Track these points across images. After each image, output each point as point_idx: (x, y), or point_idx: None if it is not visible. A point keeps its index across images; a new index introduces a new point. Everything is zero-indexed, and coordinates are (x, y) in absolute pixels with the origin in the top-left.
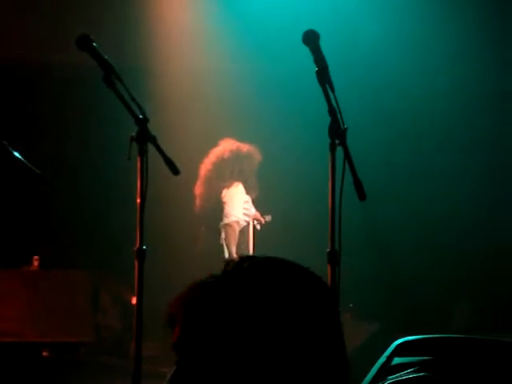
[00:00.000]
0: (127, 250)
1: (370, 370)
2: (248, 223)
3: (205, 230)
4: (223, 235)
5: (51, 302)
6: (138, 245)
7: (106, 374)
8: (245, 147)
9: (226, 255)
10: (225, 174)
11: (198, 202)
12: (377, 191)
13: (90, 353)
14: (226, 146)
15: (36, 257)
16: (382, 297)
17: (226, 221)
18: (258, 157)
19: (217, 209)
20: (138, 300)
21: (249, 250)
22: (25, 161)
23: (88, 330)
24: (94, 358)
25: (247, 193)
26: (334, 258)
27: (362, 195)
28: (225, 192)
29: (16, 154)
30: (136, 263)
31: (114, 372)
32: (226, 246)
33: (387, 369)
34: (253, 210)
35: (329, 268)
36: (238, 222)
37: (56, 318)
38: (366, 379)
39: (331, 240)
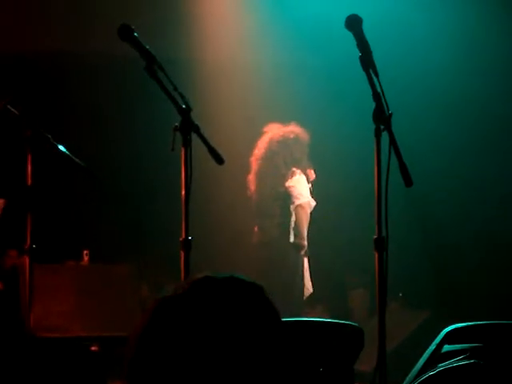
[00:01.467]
0: (175, 242)
1: (420, 358)
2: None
3: (260, 223)
4: (293, 218)
5: (100, 297)
6: (183, 236)
7: None
8: (291, 133)
9: (292, 239)
10: (279, 165)
11: (254, 196)
12: (424, 176)
13: None
14: (272, 136)
15: (86, 251)
16: (432, 284)
17: (297, 202)
18: (306, 138)
19: (273, 202)
20: None
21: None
22: (70, 154)
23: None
24: None
25: (307, 181)
26: (380, 244)
27: (408, 181)
28: (289, 181)
29: (61, 147)
30: (182, 254)
31: None
32: (297, 228)
33: (437, 356)
34: (313, 204)
35: (376, 255)
36: (309, 203)
37: (104, 313)
38: (416, 367)
39: (378, 227)
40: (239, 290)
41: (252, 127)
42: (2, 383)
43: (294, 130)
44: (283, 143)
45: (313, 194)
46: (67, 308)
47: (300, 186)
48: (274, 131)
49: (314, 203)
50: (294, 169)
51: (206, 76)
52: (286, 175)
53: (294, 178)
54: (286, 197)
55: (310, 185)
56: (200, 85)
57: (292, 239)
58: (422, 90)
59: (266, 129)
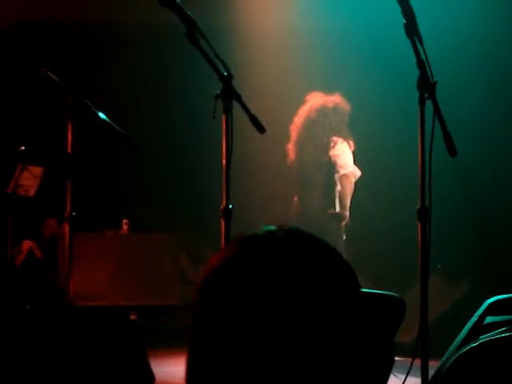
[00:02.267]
0: (215, 211)
1: (461, 329)
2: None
3: (301, 193)
4: (338, 187)
5: (138, 266)
6: (224, 204)
7: None
8: (330, 102)
9: (338, 209)
10: (318, 133)
11: (294, 165)
12: (468, 146)
13: (177, 316)
14: (312, 105)
15: (125, 220)
16: (472, 256)
17: (342, 171)
18: (346, 108)
19: (316, 171)
20: None
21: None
22: (110, 121)
23: (175, 294)
24: (180, 321)
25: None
26: (424, 215)
27: (452, 150)
28: (333, 150)
29: (101, 114)
30: (222, 222)
31: None
32: (341, 198)
33: (479, 328)
34: (358, 174)
35: (419, 225)
36: (354, 173)
37: (143, 282)
38: (457, 339)
39: (421, 197)
40: (313, 249)
41: (294, 96)
42: (41, 352)
43: (334, 99)
44: (322, 112)
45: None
46: (106, 277)
47: (344, 156)
48: (314, 100)
49: (359, 173)
50: (336, 138)
51: (246, 44)
52: (327, 144)
53: (338, 147)
54: (330, 166)
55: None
56: (241, 53)
57: (338, 209)
58: (469, 58)
59: (308, 97)
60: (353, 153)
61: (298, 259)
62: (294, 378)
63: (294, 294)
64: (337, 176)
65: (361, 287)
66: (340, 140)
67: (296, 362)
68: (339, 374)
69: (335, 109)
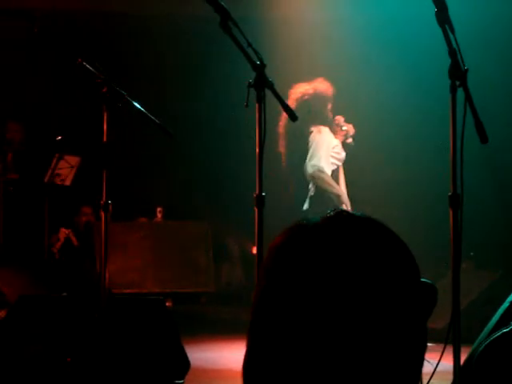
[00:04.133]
0: (248, 199)
1: (493, 315)
2: (338, 167)
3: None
4: (311, 187)
5: (174, 253)
6: (257, 192)
7: (227, 323)
8: (310, 89)
9: (305, 207)
10: (298, 124)
11: (283, 159)
12: (499, 134)
13: (211, 303)
14: (293, 96)
15: (160, 208)
16: (503, 243)
17: (309, 171)
18: (327, 92)
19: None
20: (258, 249)
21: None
22: (145, 111)
23: (209, 281)
24: (214, 308)
25: (335, 136)
26: (456, 202)
27: (483, 138)
28: (311, 140)
29: (136, 104)
30: (256, 210)
31: (234, 321)
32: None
33: (511, 313)
34: (343, 154)
35: (451, 212)
36: (318, 172)
37: (178, 269)
38: (489, 325)
39: (453, 184)
40: (384, 235)
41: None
42: (81, 338)
43: (315, 86)
44: (301, 101)
45: (345, 147)
46: (141, 264)
47: (316, 150)
48: (297, 90)
49: (337, 163)
50: (313, 127)
51: (280, 34)
52: (307, 135)
53: (314, 138)
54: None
55: (351, 139)
56: (271, 42)
57: (305, 206)
58: (499, 47)
59: (291, 91)
60: (354, 136)
61: (353, 239)
62: (338, 352)
63: (352, 273)
64: (307, 175)
65: (418, 272)
66: (315, 129)
67: (343, 337)
68: (379, 356)
69: (315, 94)
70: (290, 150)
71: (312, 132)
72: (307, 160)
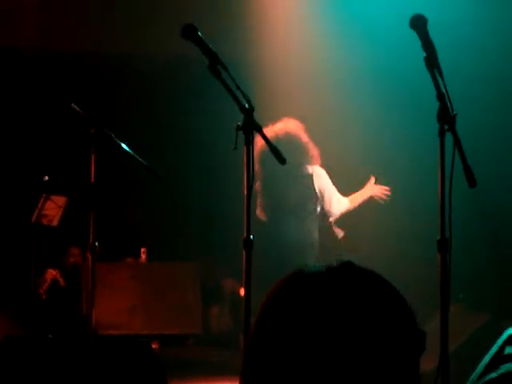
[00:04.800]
0: (233, 241)
1: (481, 359)
2: None
3: None
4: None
5: (161, 294)
6: (245, 235)
7: (215, 366)
8: (280, 133)
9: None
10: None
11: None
12: (487, 178)
13: (199, 345)
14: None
15: (143, 248)
16: (493, 286)
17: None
18: (297, 136)
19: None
20: (246, 291)
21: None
22: (132, 152)
23: (196, 322)
24: (202, 350)
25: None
26: (444, 246)
27: (472, 182)
28: (315, 183)
29: (123, 145)
30: (244, 253)
31: (222, 364)
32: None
33: (500, 358)
34: None
35: (439, 257)
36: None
37: (165, 310)
38: (478, 368)
39: (441, 228)
40: (382, 286)
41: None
42: (66, 380)
43: (286, 130)
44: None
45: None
46: (128, 305)
47: (332, 191)
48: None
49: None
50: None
51: (265, 77)
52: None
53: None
54: None
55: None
56: (259, 86)
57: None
58: (486, 91)
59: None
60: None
61: (351, 291)
62: None
63: (347, 325)
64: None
65: (416, 322)
66: (314, 172)
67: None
68: None
69: (286, 134)
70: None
71: (310, 173)
72: (326, 207)
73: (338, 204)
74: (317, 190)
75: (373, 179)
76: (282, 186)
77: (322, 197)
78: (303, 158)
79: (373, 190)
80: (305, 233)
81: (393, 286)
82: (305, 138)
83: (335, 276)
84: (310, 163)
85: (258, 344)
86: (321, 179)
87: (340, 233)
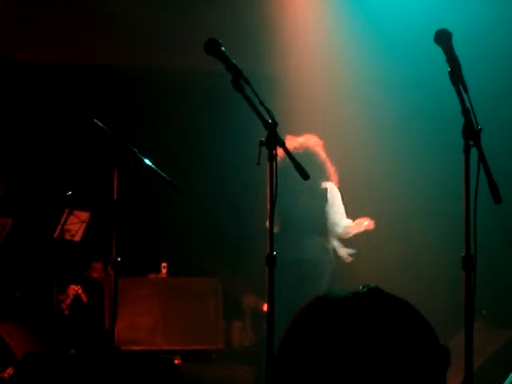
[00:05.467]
0: (257, 256)
1: (506, 376)
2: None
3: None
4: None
5: (183, 310)
6: (268, 250)
7: (237, 382)
8: (300, 148)
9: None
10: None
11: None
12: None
13: (221, 360)
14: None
15: (164, 264)
16: None
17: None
18: (316, 153)
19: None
20: (269, 307)
21: None
22: (156, 167)
23: (218, 338)
24: (224, 366)
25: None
26: (469, 263)
27: (497, 198)
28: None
29: (147, 161)
30: (267, 269)
31: (245, 380)
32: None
33: None
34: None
35: (464, 274)
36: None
37: (187, 326)
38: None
39: (466, 244)
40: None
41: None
42: None
43: (303, 144)
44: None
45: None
46: (150, 321)
47: (340, 206)
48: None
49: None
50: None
51: (291, 92)
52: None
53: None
54: None
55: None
56: (282, 101)
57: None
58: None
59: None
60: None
61: (379, 318)
62: None
63: (375, 350)
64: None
65: (439, 346)
66: (328, 187)
67: None
68: None
69: (304, 153)
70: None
71: (326, 189)
72: (331, 221)
73: (339, 222)
74: (327, 206)
75: (366, 221)
76: (295, 201)
77: (328, 214)
78: (321, 174)
79: (359, 228)
80: (317, 249)
81: (419, 312)
82: (323, 155)
83: (362, 302)
84: (328, 180)
85: (282, 367)
86: (333, 196)
87: (345, 254)
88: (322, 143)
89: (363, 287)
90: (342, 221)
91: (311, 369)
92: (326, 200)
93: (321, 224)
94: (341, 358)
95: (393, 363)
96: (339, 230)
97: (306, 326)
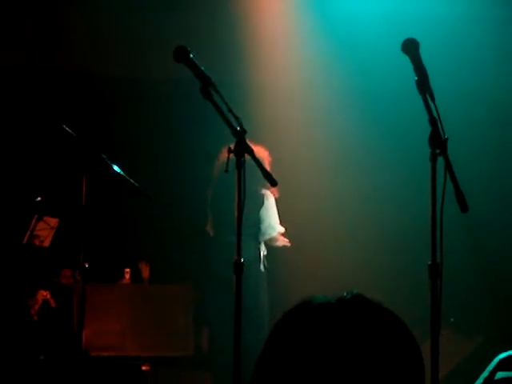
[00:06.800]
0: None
1: None
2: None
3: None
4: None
5: (152, 316)
6: (236, 258)
7: None
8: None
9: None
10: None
11: None
12: (479, 202)
13: (191, 367)
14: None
15: (127, 269)
16: (485, 310)
17: (272, 234)
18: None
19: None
20: (236, 313)
21: None
22: (123, 173)
23: (189, 345)
24: (193, 373)
25: None
26: (435, 271)
27: (463, 207)
28: (265, 202)
29: (115, 167)
30: (234, 277)
31: None
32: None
33: (490, 383)
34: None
35: (430, 281)
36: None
37: (156, 332)
38: None
39: (432, 253)
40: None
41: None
42: None
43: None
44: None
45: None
46: (119, 327)
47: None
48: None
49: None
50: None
51: (256, 99)
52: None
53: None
54: None
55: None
56: (252, 108)
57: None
58: (479, 114)
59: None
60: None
61: (363, 324)
62: None
63: (357, 356)
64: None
65: (420, 356)
66: (266, 193)
67: None
68: None
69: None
70: None
71: (263, 194)
72: (266, 224)
73: (275, 226)
74: (262, 209)
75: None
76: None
77: (263, 217)
78: (262, 181)
79: (282, 242)
80: (251, 250)
81: (402, 321)
82: (268, 167)
83: (346, 308)
84: (266, 188)
85: (264, 372)
86: (270, 202)
87: (283, 243)
88: (270, 160)
89: (347, 294)
90: (276, 225)
91: (293, 374)
92: (263, 203)
93: (256, 227)
94: (323, 363)
95: (374, 370)
96: (273, 233)
97: (288, 331)
